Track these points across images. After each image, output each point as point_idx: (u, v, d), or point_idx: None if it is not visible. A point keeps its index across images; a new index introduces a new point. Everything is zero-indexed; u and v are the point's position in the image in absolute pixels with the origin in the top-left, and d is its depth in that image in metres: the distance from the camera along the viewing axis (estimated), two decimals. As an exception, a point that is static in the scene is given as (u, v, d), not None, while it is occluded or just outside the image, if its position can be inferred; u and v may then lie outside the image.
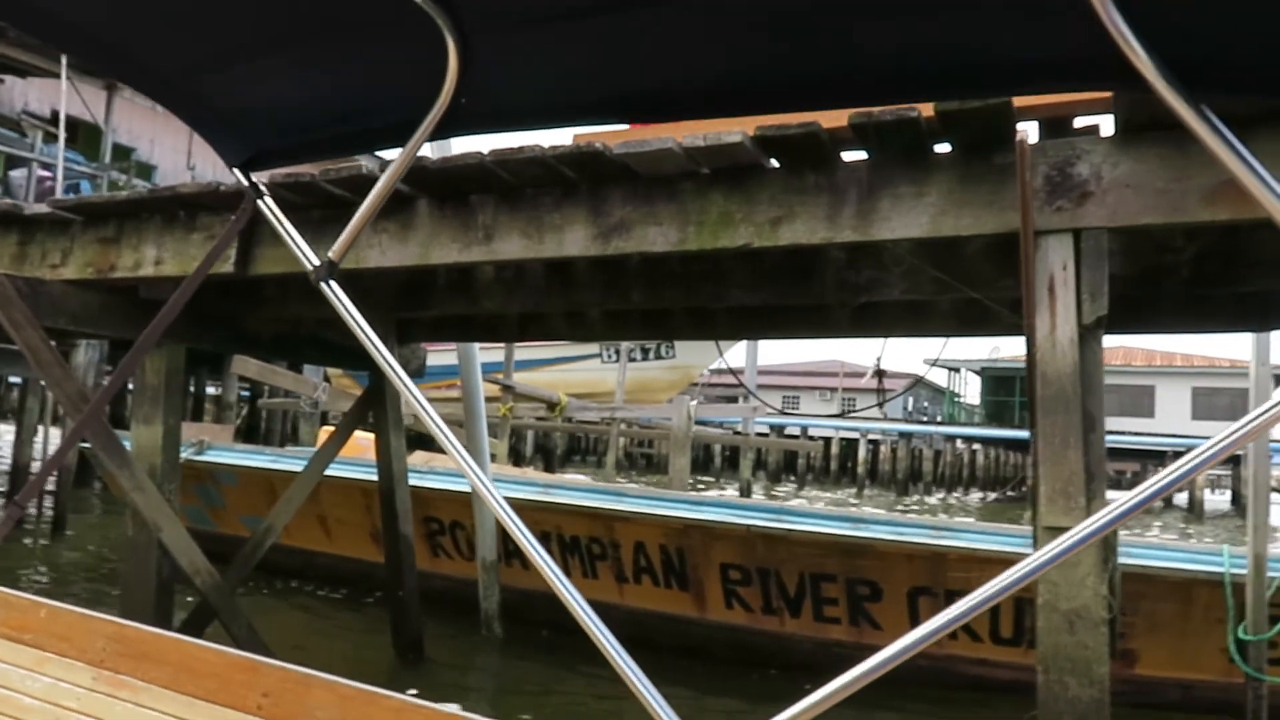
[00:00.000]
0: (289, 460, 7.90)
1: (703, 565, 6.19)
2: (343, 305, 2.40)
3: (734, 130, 2.96)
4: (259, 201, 2.51)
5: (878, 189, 2.96)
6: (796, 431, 33.35)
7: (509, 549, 6.52)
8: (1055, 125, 2.87)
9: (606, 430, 15.05)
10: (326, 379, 14.29)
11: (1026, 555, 1.20)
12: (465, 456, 2.03)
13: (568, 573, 6.78)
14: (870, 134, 2.85)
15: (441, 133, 1.93)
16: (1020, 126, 2.77)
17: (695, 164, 3.12)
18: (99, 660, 2.24)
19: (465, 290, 4.59)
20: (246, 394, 19.24)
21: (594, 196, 3.34)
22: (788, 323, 4.82)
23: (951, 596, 5.10)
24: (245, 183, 2.54)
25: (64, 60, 12.77)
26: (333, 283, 2.46)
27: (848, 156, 3.07)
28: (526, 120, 1.87)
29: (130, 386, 5.96)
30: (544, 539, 6.79)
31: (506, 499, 5.73)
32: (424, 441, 11.55)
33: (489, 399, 12.41)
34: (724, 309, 4.69)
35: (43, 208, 4.52)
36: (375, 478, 6.42)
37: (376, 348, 2.30)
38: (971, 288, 3.29)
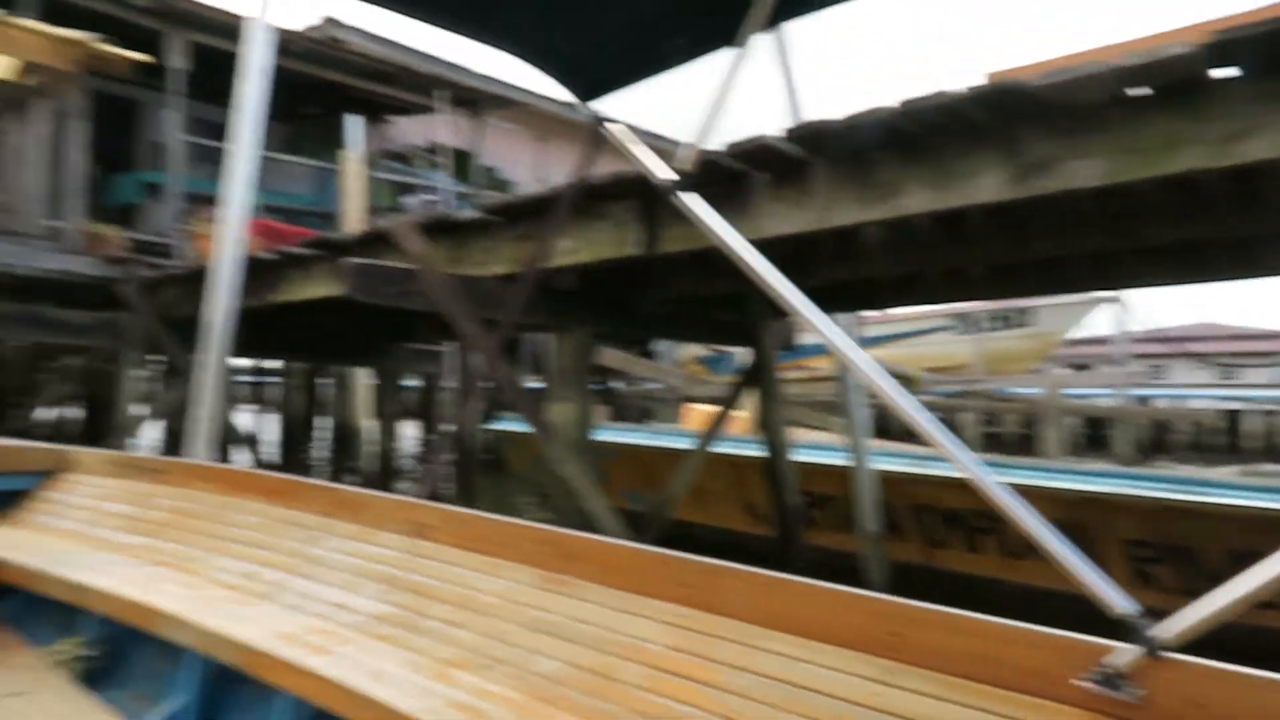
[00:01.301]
0: (660, 437, 8.39)
1: (1103, 542, 5.73)
2: (700, 219, 2.51)
3: (1174, 43, 2.70)
4: (603, 127, 2.73)
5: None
6: (1166, 405, 29.80)
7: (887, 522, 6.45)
8: None
9: (961, 406, 14.35)
10: (680, 366, 14.98)
11: None
12: (917, 423, 2.06)
13: (946, 547, 6.60)
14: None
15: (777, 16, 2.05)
16: None
17: (1127, 85, 2.88)
18: (539, 562, 2.49)
19: (847, 255, 4.59)
20: (601, 387, 20.62)
21: (1006, 137, 3.20)
22: (1213, 262, 4.34)
23: None
24: (588, 113, 2.76)
25: (442, 96, 14.42)
26: (685, 194, 2.57)
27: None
28: None
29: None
30: (923, 512, 6.65)
31: (881, 472, 5.70)
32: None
33: (832, 379, 12.35)
34: (1135, 251, 4.31)
35: (472, 213, 5.13)
36: (742, 451, 6.61)
37: (750, 265, 2.41)
38: None
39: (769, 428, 5.77)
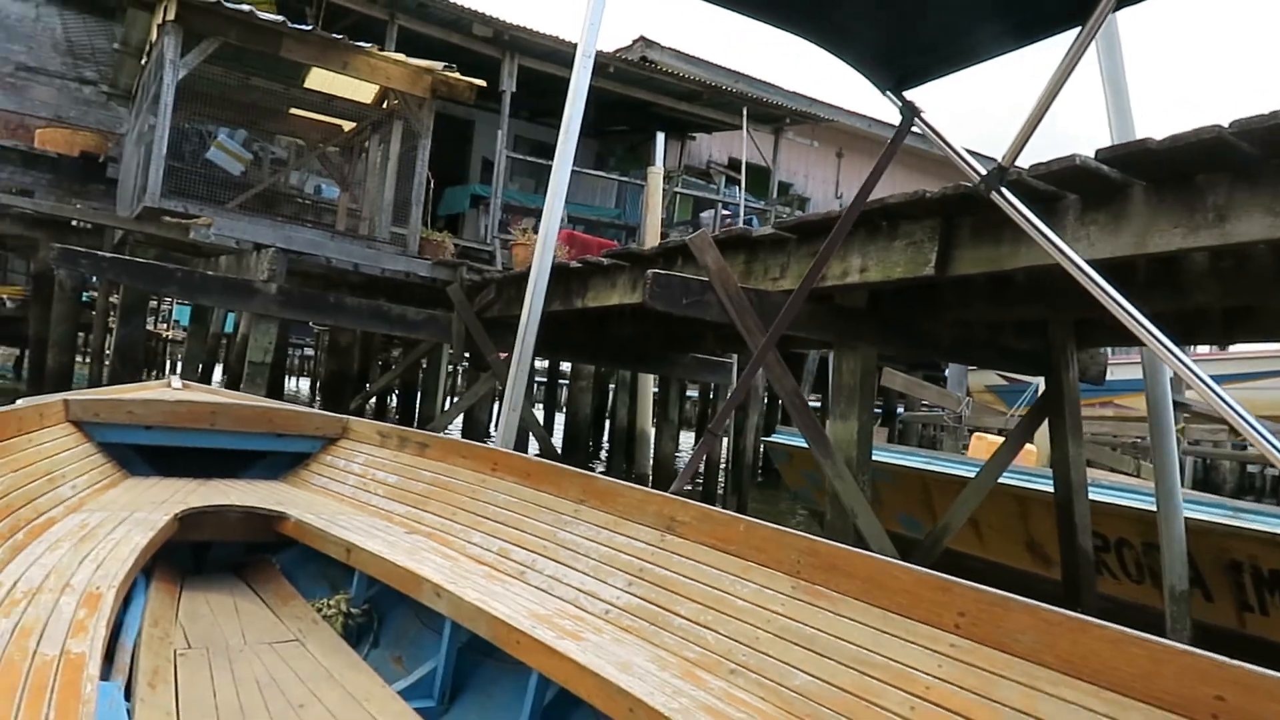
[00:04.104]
0: (941, 463, 8.08)
1: None
2: (1019, 213, 2.39)
3: None
4: (916, 118, 2.62)
5: None
6: None
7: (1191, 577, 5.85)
8: None
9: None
10: (969, 394, 14.30)
11: None
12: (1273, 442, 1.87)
13: (1265, 612, 5.87)
14: None
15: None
16: None
17: None
18: (795, 571, 2.39)
19: (1167, 283, 4.24)
20: (879, 409, 20.16)
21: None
22: None
23: None
24: (898, 104, 2.64)
25: (745, 112, 14.76)
26: (1005, 190, 2.42)
27: None
28: None
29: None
30: (1233, 569, 5.97)
31: (1188, 519, 5.02)
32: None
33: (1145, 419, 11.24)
34: None
35: (767, 230, 5.28)
36: (1026, 484, 6.23)
37: (1059, 248, 2.28)
38: None
39: (1064, 463, 5.43)
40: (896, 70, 2.58)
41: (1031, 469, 7.21)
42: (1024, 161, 3.17)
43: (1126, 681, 1.70)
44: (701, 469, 12.09)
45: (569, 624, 2.59)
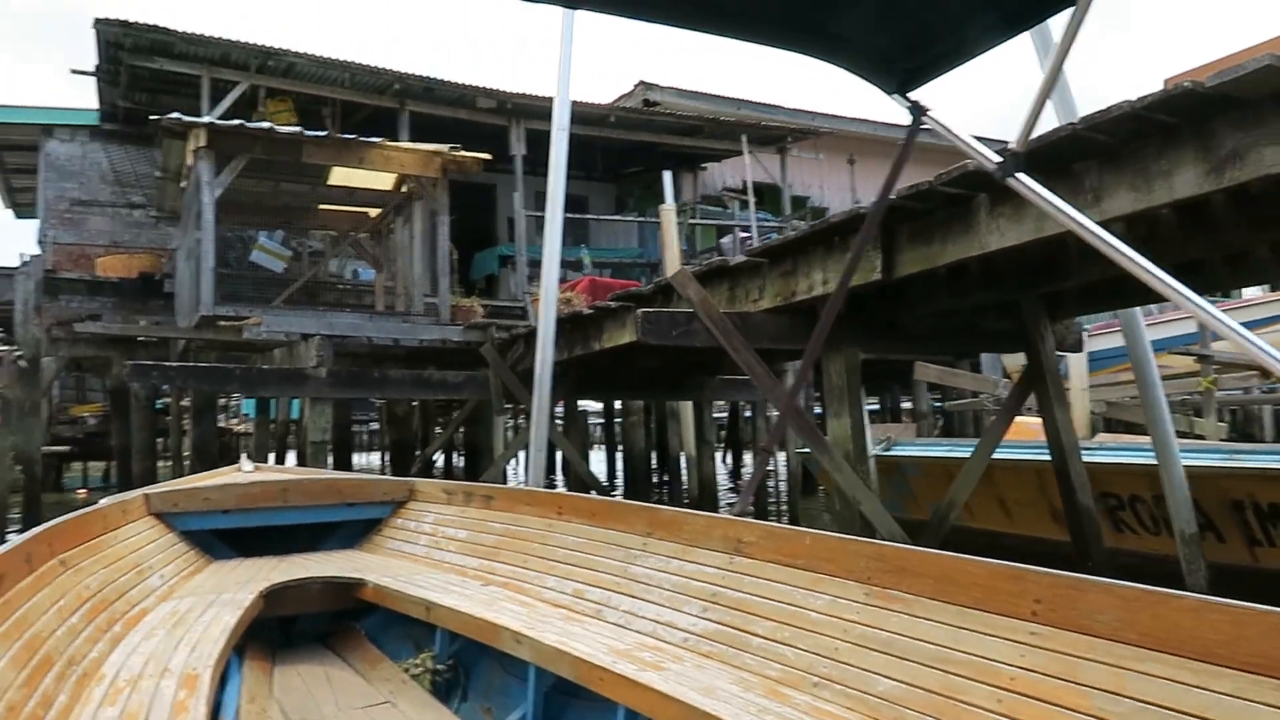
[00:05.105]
0: (964, 449, 8.45)
1: None
2: (1038, 196, 2.35)
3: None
4: (925, 116, 2.63)
5: None
6: None
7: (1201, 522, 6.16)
8: None
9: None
10: (1005, 375, 14.52)
11: None
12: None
13: (1273, 544, 6.16)
14: None
15: None
16: None
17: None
18: (866, 577, 2.40)
19: (1095, 255, 4.67)
20: (938, 403, 20.29)
21: (1198, 134, 3.32)
22: None
23: None
24: (905, 104, 2.63)
25: (744, 139, 15.36)
26: (1021, 175, 2.39)
27: None
28: None
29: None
30: (1236, 509, 6.27)
31: (1187, 467, 5.16)
32: (1109, 424, 11.17)
33: (1188, 374, 11.36)
34: None
35: (741, 257, 5.83)
36: (1042, 457, 6.61)
37: (1082, 224, 2.26)
38: None
39: (1054, 429, 5.82)
40: (900, 72, 2.60)
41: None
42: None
43: (1211, 649, 1.69)
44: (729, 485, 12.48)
45: (649, 655, 2.62)
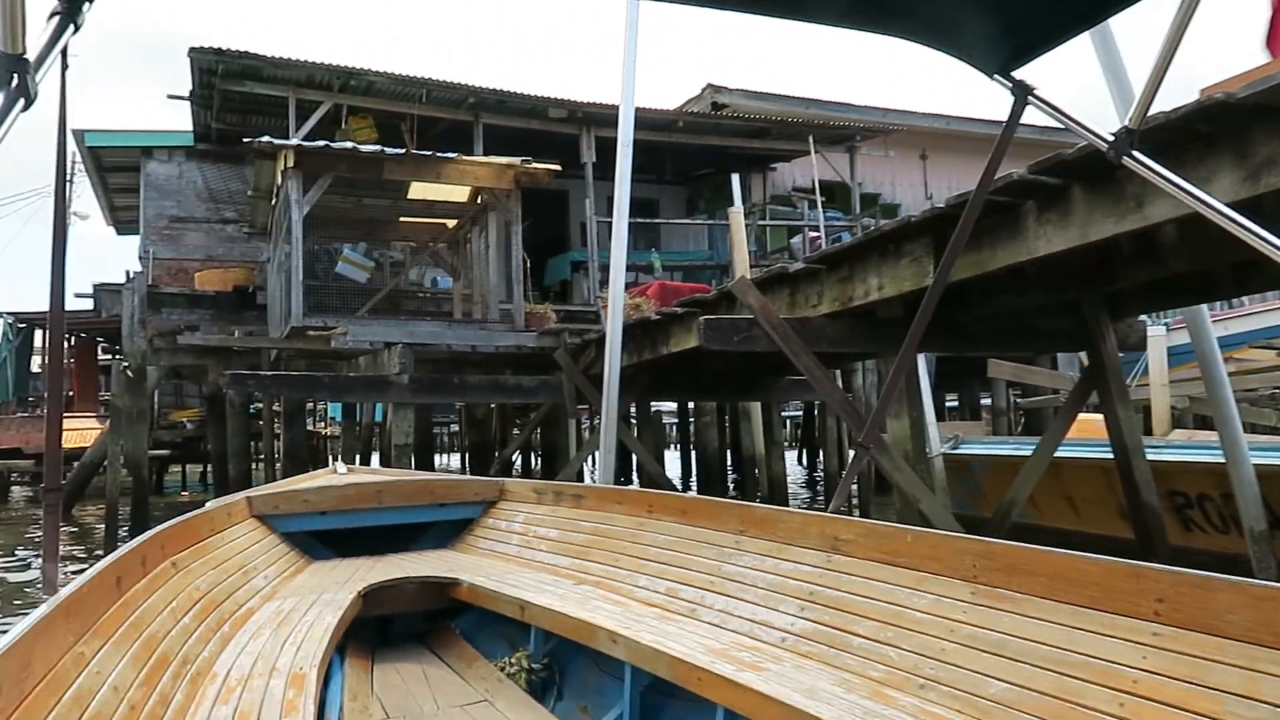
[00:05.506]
0: (1031, 447, 8.47)
1: None
2: (1154, 173, 2.28)
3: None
4: (1031, 96, 2.49)
5: None
6: None
7: (1271, 520, 6.13)
8: None
9: None
10: (1081, 370, 14.32)
11: None
12: None
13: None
14: None
15: None
16: None
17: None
18: (972, 576, 2.34)
19: (1150, 256, 4.76)
20: (1019, 400, 20.00)
21: (1236, 140, 3.42)
22: None
23: None
24: (1008, 85, 2.50)
25: (811, 139, 15.45)
26: (1137, 154, 2.30)
27: None
28: None
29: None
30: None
31: (1257, 466, 5.07)
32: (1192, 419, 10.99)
33: (1272, 368, 11.09)
34: None
35: (799, 264, 6.02)
36: (1109, 455, 6.65)
37: (1206, 201, 2.17)
38: None
39: (1118, 428, 5.87)
40: (1003, 50, 2.45)
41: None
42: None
43: None
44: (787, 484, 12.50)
45: (747, 655, 2.59)
